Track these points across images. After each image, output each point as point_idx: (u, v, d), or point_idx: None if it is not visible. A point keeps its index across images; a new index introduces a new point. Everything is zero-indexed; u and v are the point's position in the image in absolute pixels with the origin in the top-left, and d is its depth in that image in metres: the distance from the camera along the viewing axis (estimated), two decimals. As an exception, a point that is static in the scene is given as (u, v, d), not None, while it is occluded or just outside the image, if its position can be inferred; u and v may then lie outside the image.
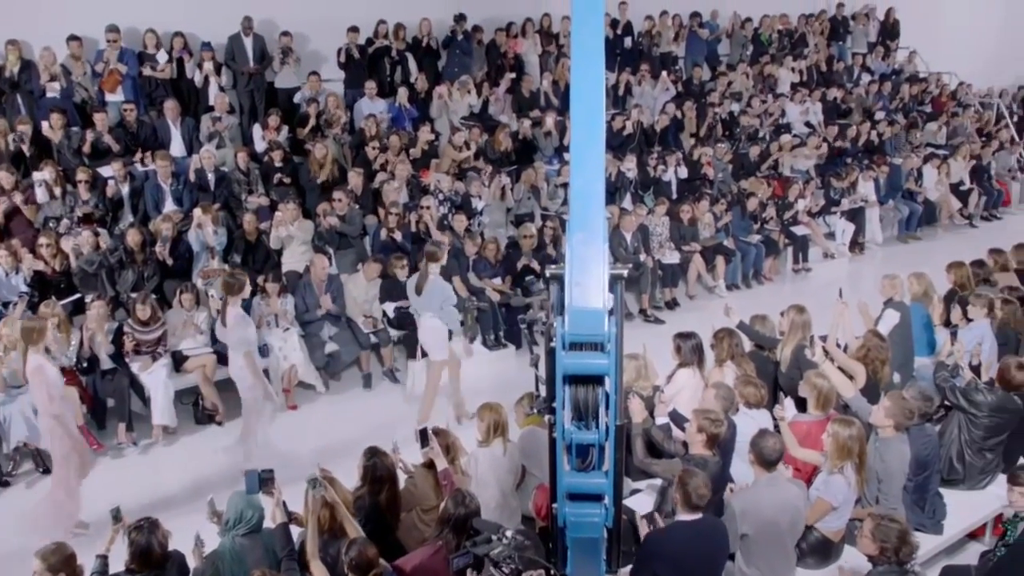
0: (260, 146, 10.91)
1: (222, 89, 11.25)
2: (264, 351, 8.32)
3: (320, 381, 8.71)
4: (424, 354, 8.27)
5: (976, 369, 6.77)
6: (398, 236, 9.63)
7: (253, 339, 7.20)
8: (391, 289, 9.09)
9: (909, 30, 18.33)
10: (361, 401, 8.70)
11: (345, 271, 9.45)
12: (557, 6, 13.57)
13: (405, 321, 9.12)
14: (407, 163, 10.86)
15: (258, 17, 11.52)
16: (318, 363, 8.65)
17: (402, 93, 12.13)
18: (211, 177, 9.94)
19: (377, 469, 5.08)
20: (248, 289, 7.38)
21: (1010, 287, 8.37)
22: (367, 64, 12.30)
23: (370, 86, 11.91)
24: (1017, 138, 17.39)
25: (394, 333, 9.11)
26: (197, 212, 9.13)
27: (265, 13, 11.71)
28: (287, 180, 10.43)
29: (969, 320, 7.51)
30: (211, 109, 10.94)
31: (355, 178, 10.28)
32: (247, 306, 8.48)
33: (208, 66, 11.06)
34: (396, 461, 5.35)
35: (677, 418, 5.76)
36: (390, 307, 8.99)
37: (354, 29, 12.13)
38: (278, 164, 10.42)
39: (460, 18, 13.02)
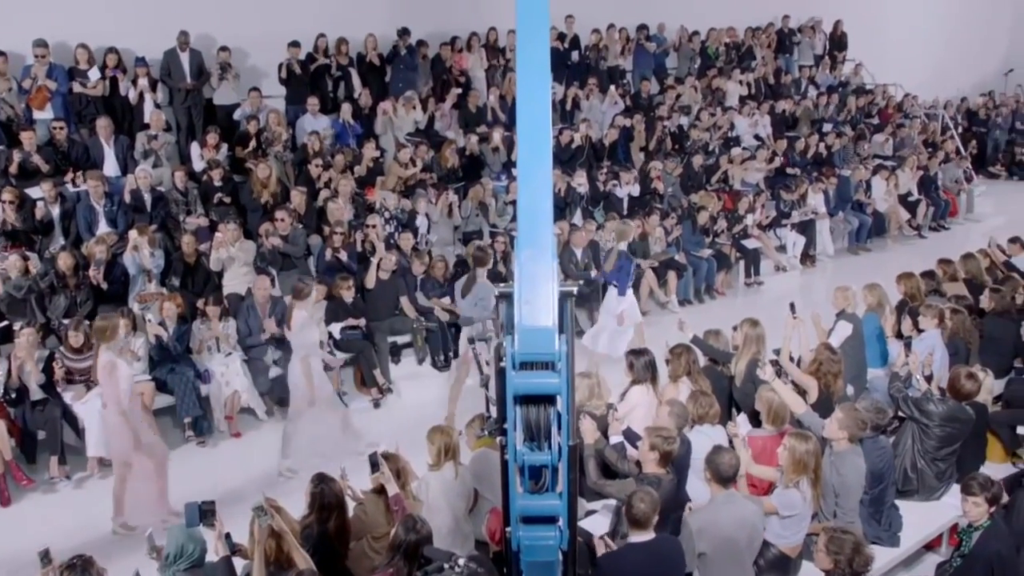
0: (199, 165, 10.77)
1: (158, 106, 11.10)
2: (206, 377, 8.22)
3: (264, 407, 8.59)
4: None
5: (928, 379, 6.93)
6: (343, 256, 9.58)
7: (315, 343, 7.71)
8: (337, 310, 9.03)
9: (854, 42, 18.81)
10: (308, 427, 8.58)
11: (289, 293, 9.33)
12: (503, 20, 13.66)
13: (352, 342, 9.07)
14: (351, 180, 10.82)
15: (195, 31, 11.41)
16: (262, 388, 8.54)
17: (346, 109, 12.09)
18: (147, 197, 9.78)
19: (325, 496, 5.02)
20: (315, 295, 7.95)
21: (958, 297, 8.59)
22: (309, 80, 12.25)
23: (312, 102, 11.85)
24: (963, 150, 17.93)
25: (340, 355, 9.04)
26: (133, 234, 8.98)
27: (202, 27, 11.61)
28: (227, 200, 10.32)
29: (920, 331, 7.69)
30: (146, 127, 10.78)
31: (298, 197, 10.22)
32: (182, 332, 8.38)
33: (143, 82, 10.91)
34: (344, 487, 5.29)
35: (631, 436, 5.79)
36: (336, 328, 8.92)
37: (295, 44, 12.07)
38: (218, 183, 10.31)
39: (403, 32, 13.02)
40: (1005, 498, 5.32)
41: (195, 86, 11.40)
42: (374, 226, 9.94)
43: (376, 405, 9.02)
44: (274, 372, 8.61)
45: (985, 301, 8.33)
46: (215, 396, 8.26)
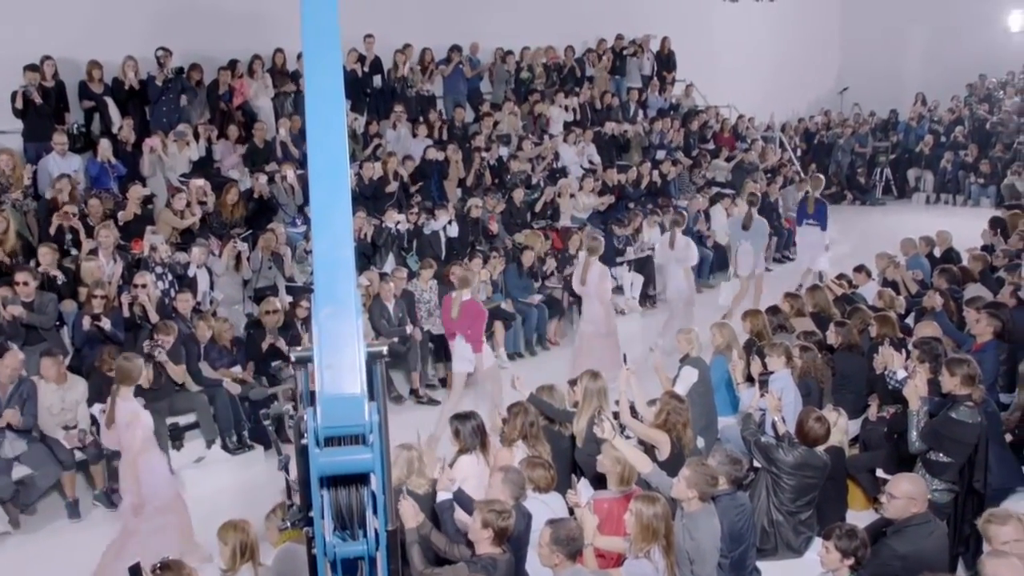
0: (-94, 218, 10.08)
1: None
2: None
3: (6, 517, 8.04)
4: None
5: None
6: (106, 324, 9.15)
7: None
8: (102, 389, 8.60)
9: (683, 62, 20.00)
10: (67, 536, 8.11)
11: (35, 372, 8.83)
12: (290, 41, 13.60)
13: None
14: (113, 231, 10.40)
15: None
16: (3, 494, 7.98)
17: (105, 146, 11.64)
18: None
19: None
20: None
21: (807, 332, 9.14)
22: (53, 111, 11.74)
23: (59, 139, 11.34)
24: (803, 174, 19.28)
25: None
26: None
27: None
28: (-52, 261, 9.71)
29: (769, 372, 8.13)
30: None
31: (49, 255, 9.72)
32: None
33: None
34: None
35: (463, 500, 5.81)
36: (99, 410, 8.47)
37: (34, 67, 11.55)
38: (-66, 241, 9.69)
39: (164, 54, 12.69)
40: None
41: None
42: (144, 286, 9.58)
43: (154, 501, 8.63)
44: (19, 471, 8.06)
45: (832, 336, 8.92)
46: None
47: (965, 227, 15.10)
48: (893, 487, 5.91)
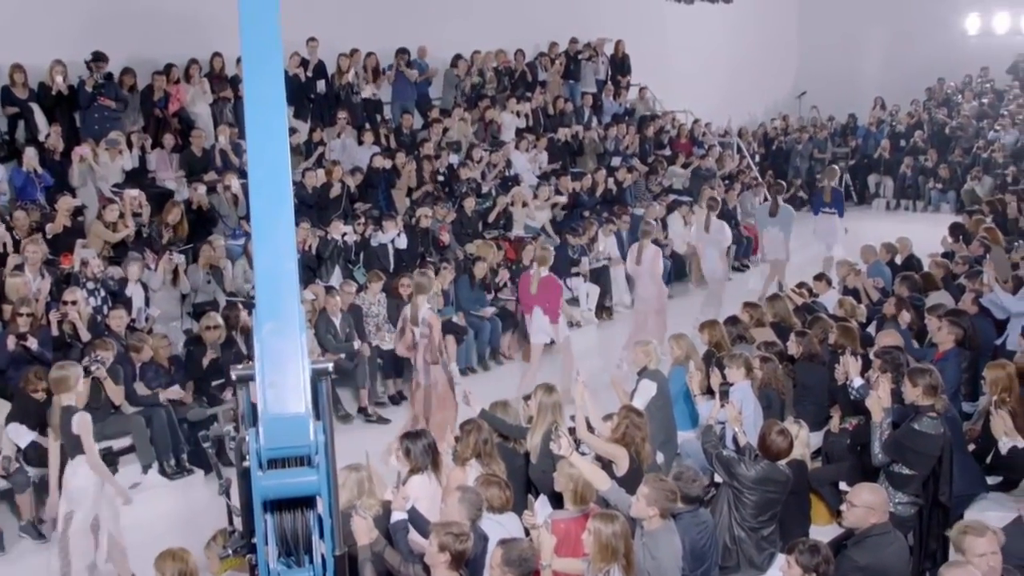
0: None
1: None
2: None
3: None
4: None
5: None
6: (33, 344, 8.99)
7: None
8: (28, 414, 8.45)
9: (637, 67, 20.14)
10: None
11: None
12: (229, 44, 13.48)
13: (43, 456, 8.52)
14: (41, 245, 10.23)
15: None
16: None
17: (30, 155, 11.45)
18: None
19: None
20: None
21: (767, 343, 9.23)
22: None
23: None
24: (760, 178, 19.49)
25: (34, 472, 8.44)
26: None
27: None
28: None
29: (729, 383, 8.19)
30: None
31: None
32: None
33: None
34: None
35: (417, 520, 5.78)
36: (24, 436, 8.31)
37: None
38: None
39: (98, 58, 12.51)
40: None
41: None
42: (74, 302, 9.43)
43: (89, 530, 8.49)
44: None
45: (792, 346, 9.02)
46: None
47: (925, 233, 15.33)
48: (853, 496, 6.00)
